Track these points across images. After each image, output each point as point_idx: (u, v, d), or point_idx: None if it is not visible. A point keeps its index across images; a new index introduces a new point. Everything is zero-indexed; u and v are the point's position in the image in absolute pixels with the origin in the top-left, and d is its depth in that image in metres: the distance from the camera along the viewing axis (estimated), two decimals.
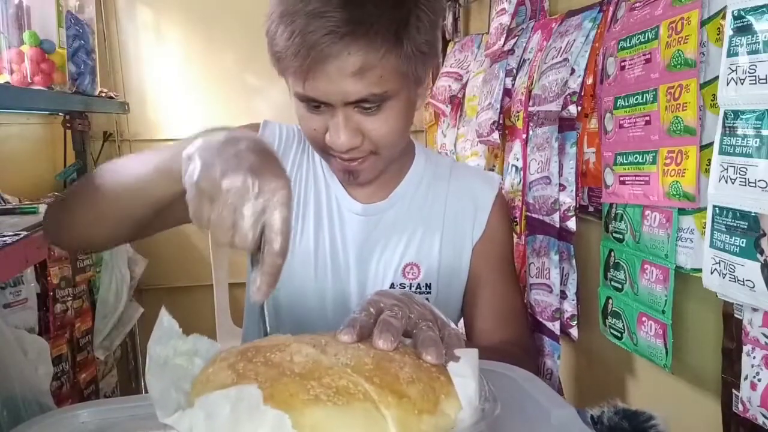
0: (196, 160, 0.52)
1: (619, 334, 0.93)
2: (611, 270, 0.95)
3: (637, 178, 0.86)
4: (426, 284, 0.87)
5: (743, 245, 0.64)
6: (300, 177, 0.90)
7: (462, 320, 0.93)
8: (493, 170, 1.44)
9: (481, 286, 0.89)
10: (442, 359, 0.46)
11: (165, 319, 0.46)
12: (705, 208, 0.70)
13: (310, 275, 0.87)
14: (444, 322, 0.53)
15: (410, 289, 0.86)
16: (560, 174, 1.09)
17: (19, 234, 1.08)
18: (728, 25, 0.65)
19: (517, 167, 1.27)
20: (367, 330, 0.49)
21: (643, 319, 0.86)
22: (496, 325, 0.87)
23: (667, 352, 0.81)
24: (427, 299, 0.60)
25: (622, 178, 0.90)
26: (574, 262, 1.09)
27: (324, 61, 0.68)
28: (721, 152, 0.66)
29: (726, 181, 0.66)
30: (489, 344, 0.82)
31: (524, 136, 1.22)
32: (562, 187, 1.09)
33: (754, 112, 0.62)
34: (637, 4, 0.87)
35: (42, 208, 1.44)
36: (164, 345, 0.46)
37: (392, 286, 0.86)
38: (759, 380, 0.66)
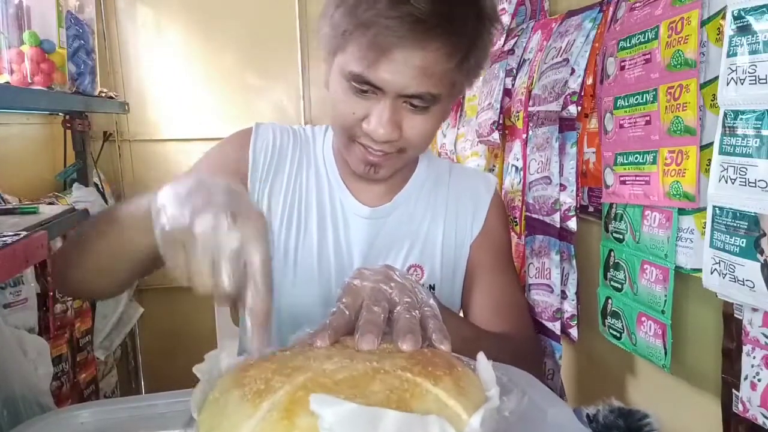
0: (167, 210, 0.50)
1: (618, 334, 0.93)
2: (611, 270, 0.95)
3: (637, 178, 0.86)
4: (429, 285, 0.88)
5: (743, 245, 0.64)
6: (300, 178, 0.89)
7: (461, 315, 0.93)
8: (493, 170, 1.44)
9: (477, 280, 0.89)
10: (419, 345, 0.47)
11: None
12: (705, 208, 0.70)
13: (314, 280, 0.86)
14: (423, 299, 0.54)
15: None
16: (561, 174, 1.09)
17: (19, 234, 1.07)
18: (728, 25, 0.65)
19: (517, 167, 1.27)
20: (342, 329, 0.49)
21: (643, 319, 0.86)
22: (493, 317, 0.86)
23: (666, 353, 0.81)
24: None
25: (622, 178, 0.90)
26: (574, 262, 1.09)
27: (396, 47, 0.67)
28: (721, 152, 0.66)
29: (726, 181, 0.66)
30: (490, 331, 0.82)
31: (524, 136, 1.22)
32: (562, 187, 1.09)
33: (754, 112, 0.62)
34: (637, 4, 0.87)
35: (42, 208, 1.44)
36: None
37: None
38: (759, 380, 0.66)
